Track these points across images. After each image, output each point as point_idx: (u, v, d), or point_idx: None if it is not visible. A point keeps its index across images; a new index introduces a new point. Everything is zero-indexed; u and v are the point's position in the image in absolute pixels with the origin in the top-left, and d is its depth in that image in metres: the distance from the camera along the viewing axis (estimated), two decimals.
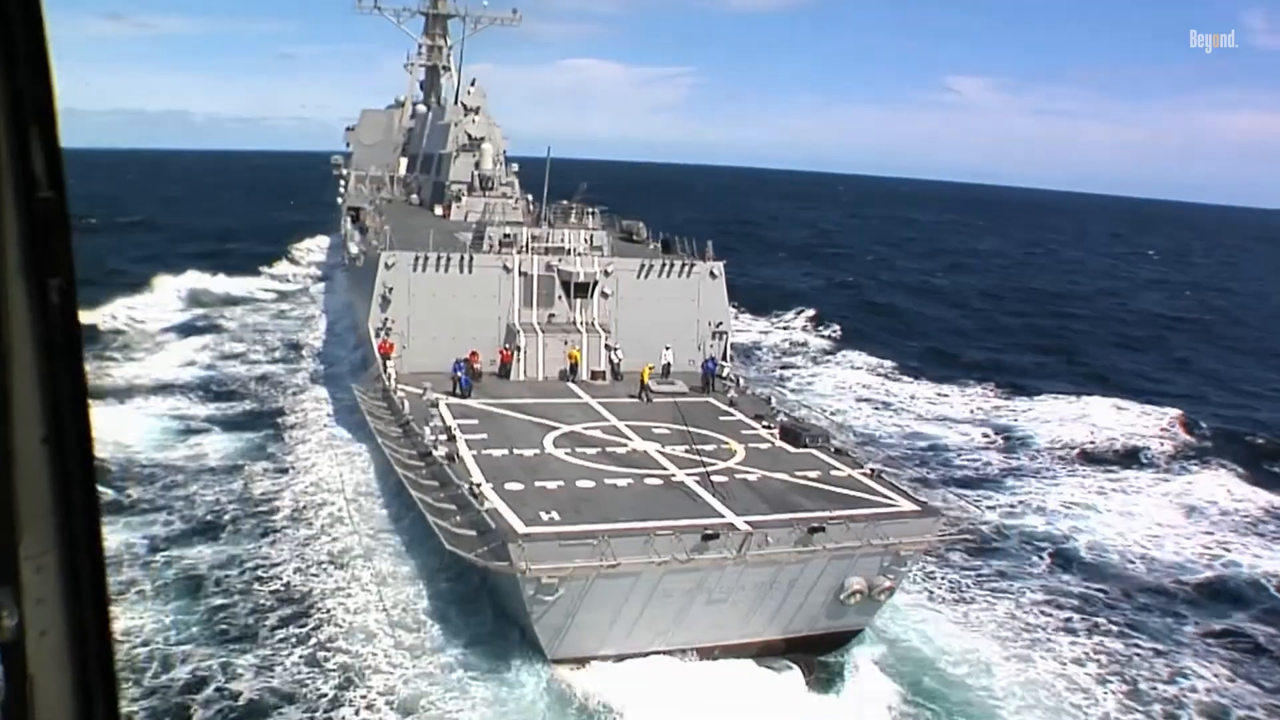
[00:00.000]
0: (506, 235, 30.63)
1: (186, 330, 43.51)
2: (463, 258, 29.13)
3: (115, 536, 20.67)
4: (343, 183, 64.83)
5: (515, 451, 21.36)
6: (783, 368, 44.50)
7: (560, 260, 29.97)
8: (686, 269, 30.98)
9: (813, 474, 20.95)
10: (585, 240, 31.66)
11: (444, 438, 21.57)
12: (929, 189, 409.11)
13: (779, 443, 23.36)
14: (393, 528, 22.27)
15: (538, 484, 19.16)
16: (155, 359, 37.91)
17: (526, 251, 30.05)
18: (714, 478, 20.14)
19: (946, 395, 39.80)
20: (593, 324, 29.63)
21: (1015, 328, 60.70)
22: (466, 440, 21.59)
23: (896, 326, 57.34)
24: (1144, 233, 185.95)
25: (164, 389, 33.19)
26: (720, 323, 31.18)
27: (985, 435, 34.06)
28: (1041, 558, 24.05)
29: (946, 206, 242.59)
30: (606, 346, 29.38)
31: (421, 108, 65.80)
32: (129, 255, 65.08)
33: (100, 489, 16.81)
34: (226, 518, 22.96)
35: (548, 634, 16.70)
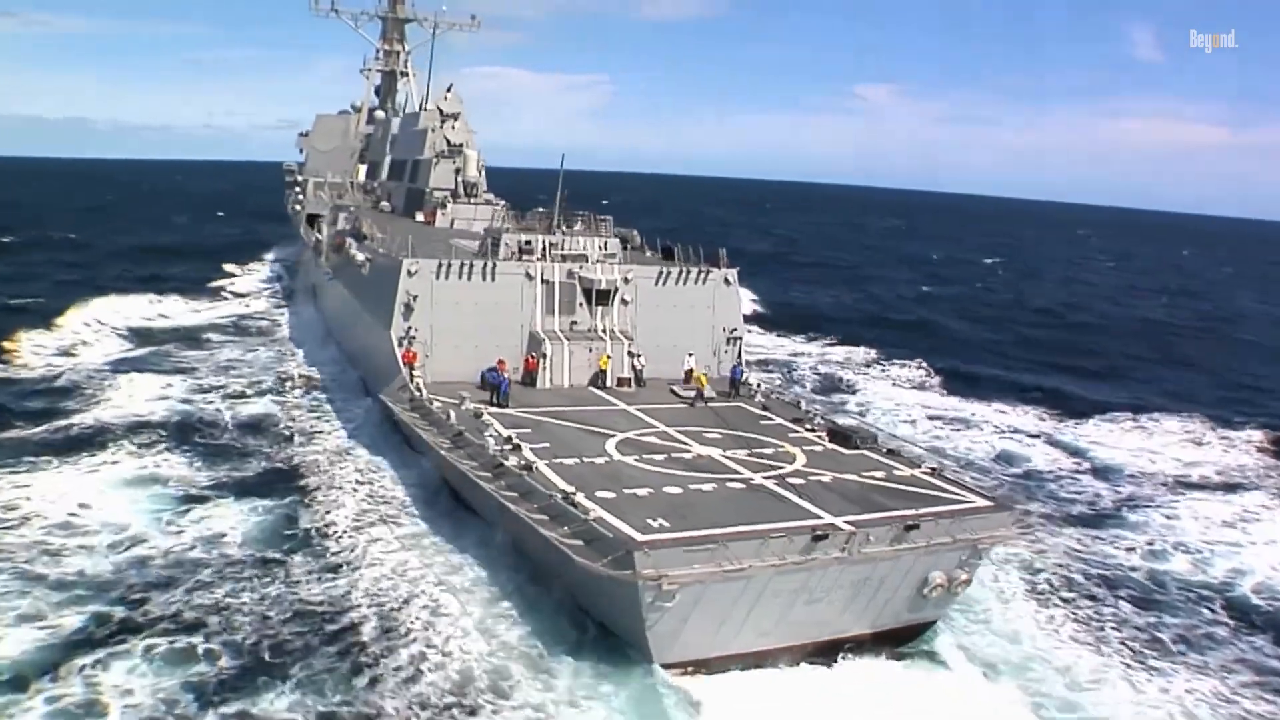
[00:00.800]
0: (527, 242, 30.14)
1: (139, 365, 36.67)
2: (485, 265, 28.57)
3: (143, 684, 15.63)
4: (298, 190, 62.85)
5: (585, 459, 21.06)
6: (829, 386, 41.28)
7: (581, 267, 29.67)
8: (702, 276, 31.05)
9: (878, 474, 21.28)
10: (599, 247, 31.40)
11: (508, 448, 21.09)
12: (852, 194, 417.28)
13: (829, 445, 23.58)
14: (460, 549, 21.10)
15: (626, 491, 18.95)
16: (114, 403, 30.97)
17: (547, 259, 29.64)
18: (789, 480, 20.35)
19: (1004, 413, 37.54)
20: (616, 331, 29.43)
21: (1036, 340, 58.62)
22: (530, 450, 21.13)
23: (913, 340, 53.46)
24: (1076, 238, 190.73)
25: (138, 442, 27.04)
26: (735, 329, 31.34)
27: (1075, 462, 31.67)
28: (1213, 609, 21.56)
29: (884, 211, 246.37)
30: (630, 354, 29.22)
31: (380, 113, 64.43)
32: (51, 278, 58.51)
33: (108, 607, 16.37)
34: (290, 648, 16.98)
35: (659, 640, 16.56)
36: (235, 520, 22.35)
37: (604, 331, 29.39)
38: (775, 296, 64.82)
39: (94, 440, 27.20)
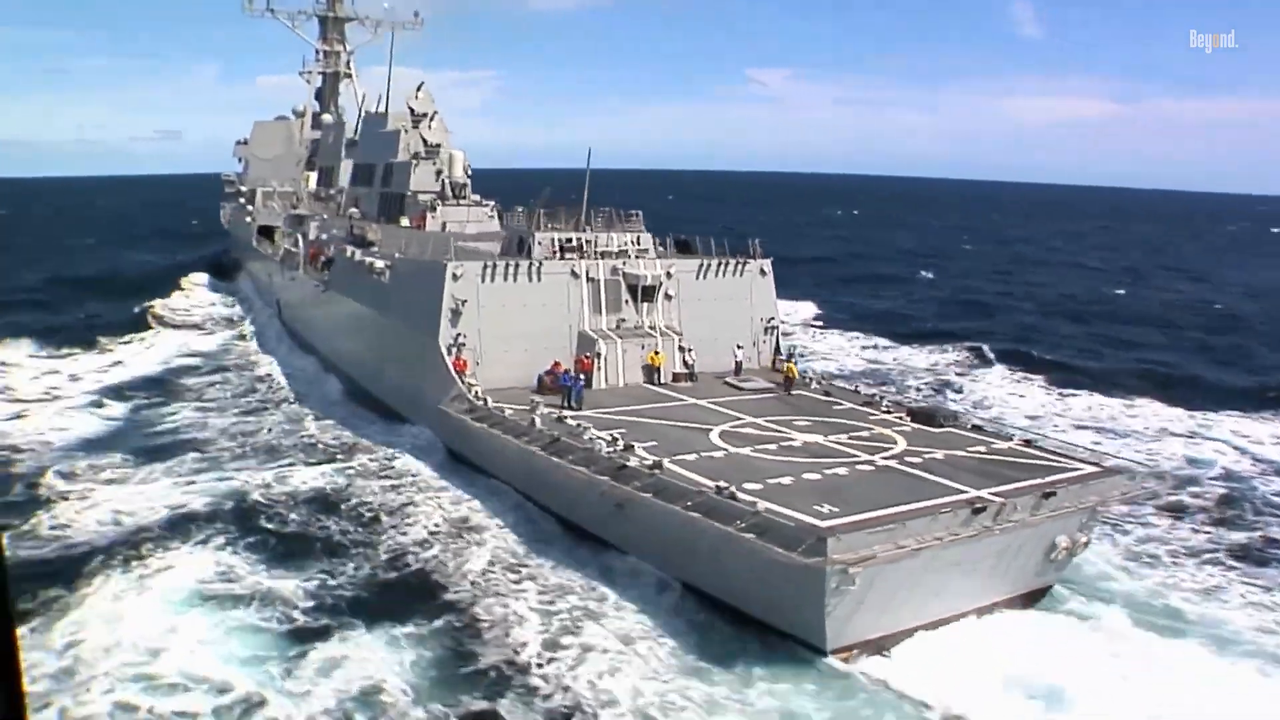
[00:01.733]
0: (568, 240, 29.23)
1: (124, 435, 29.73)
2: (530, 265, 27.57)
3: None
4: (243, 200, 59.76)
5: (703, 454, 20.57)
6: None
7: (624, 263, 28.99)
8: (739, 268, 30.81)
9: (979, 449, 21.64)
10: (632, 243, 30.79)
11: (619, 448, 20.38)
12: (764, 180, 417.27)
13: (914, 425, 23.74)
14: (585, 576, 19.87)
15: (770, 481, 18.61)
16: (114, 497, 23.55)
17: (591, 257, 28.83)
18: (907, 459, 20.58)
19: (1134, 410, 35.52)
20: (663, 327, 28.90)
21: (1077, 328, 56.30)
22: (643, 448, 20.47)
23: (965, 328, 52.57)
24: (1012, 217, 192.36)
25: (187, 540, 20.82)
26: (771, 318, 31.25)
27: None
28: None
29: (814, 198, 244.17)
30: (680, 349, 28.75)
31: (328, 117, 61.83)
32: None
33: None
34: None
35: (836, 626, 16.45)
36: (380, 664, 15.99)
37: (651, 328, 28.82)
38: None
39: (120, 549, 20.22)
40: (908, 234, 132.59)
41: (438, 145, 44.34)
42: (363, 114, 57.31)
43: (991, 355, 45.37)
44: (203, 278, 65.96)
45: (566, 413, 23.82)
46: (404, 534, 21.77)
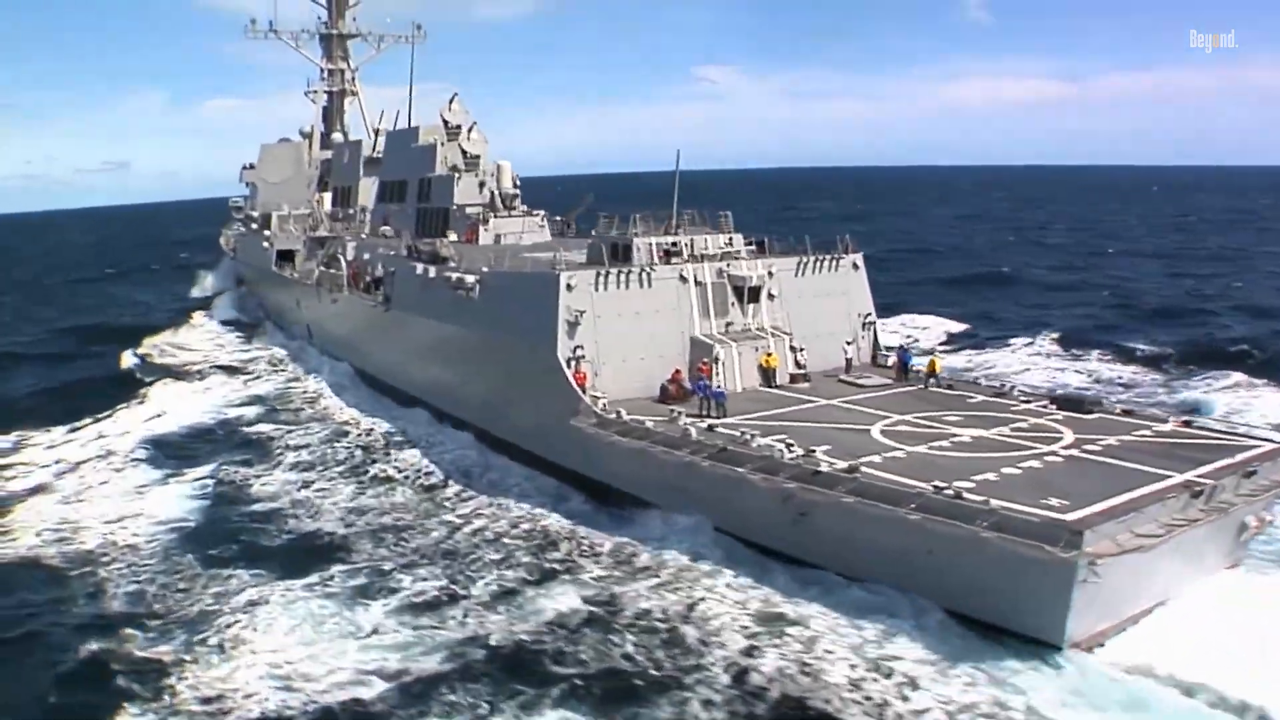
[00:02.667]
0: (672, 244, 28.36)
1: (220, 532, 23.92)
2: (642, 272, 26.64)
3: None
4: (253, 225, 57.83)
5: (887, 455, 19.89)
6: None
7: (729, 265, 28.19)
8: (834, 263, 30.20)
9: (1144, 432, 21.49)
10: (724, 244, 30.04)
11: (800, 454, 19.58)
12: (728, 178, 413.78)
13: (1062, 413, 23.31)
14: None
15: (976, 478, 18.13)
16: (268, 636, 17.97)
17: (697, 260, 27.99)
18: (1086, 448, 20.25)
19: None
20: (774, 327, 28.15)
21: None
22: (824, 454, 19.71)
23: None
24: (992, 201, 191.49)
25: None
26: (869, 313, 30.67)
27: None
28: None
29: (796, 193, 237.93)
30: (792, 348, 28.02)
31: (338, 136, 60.27)
32: None
33: None
34: None
35: (1075, 618, 15.96)
36: None
37: (760, 329, 28.06)
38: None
39: None
40: (948, 227, 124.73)
41: (477, 157, 43.29)
42: (379, 130, 56.04)
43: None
44: (213, 312, 63.25)
45: (713, 421, 22.95)
46: (721, 646, 16.99)
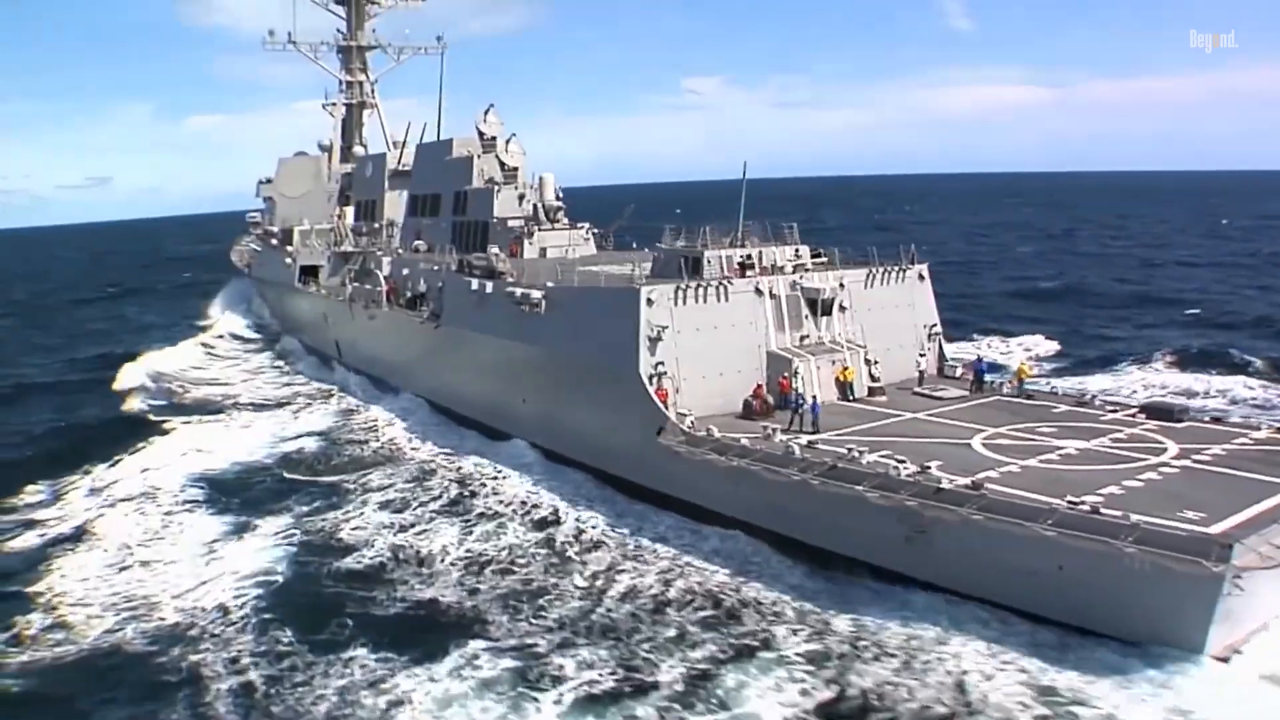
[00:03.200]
0: (747, 256, 28.15)
1: (351, 613, 20.11)
2: (719, 286, 26.41)
3: None
4: (272, 240, 57.17)
5: (1004, 470, 19.76)
6: None
7: (801, 277, 28.04)
8: (900, 274, 30.11)
9: (1243, 440, 21.68)
10: (792, 256, 29.92)
11: (915, 470, 19.39)
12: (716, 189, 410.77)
13: (1152, 422, 23.30)
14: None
15: (1102, 491, 18.12)
16: None
17: (770, 272, 27.82)
18: (1196, 458, 20.28)
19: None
20: (848, 340, 27.99)
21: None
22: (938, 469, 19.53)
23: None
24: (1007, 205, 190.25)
25: None
26: (934, 324, 30.62)
27: None
28: None
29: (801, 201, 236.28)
30: (867, 361, 27.85)
31: (359, 149, 59.74)
32: None
33: None
34: None
35: (1217, 629, 15.96)
36: None
37: (833, 342, 27.88)
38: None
39: None
40: (980, 236, 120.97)
41: (515, 169, 42.94)
42: (399, 142, 55.63)
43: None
44: (230, 326, 63.09)
45: (812, 437, 22.72)
46: None
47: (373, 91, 60.83)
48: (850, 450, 20.88)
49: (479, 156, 43.72)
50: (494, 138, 44.26)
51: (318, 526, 25.50)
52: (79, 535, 25.42)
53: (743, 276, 27.41)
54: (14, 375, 52.10)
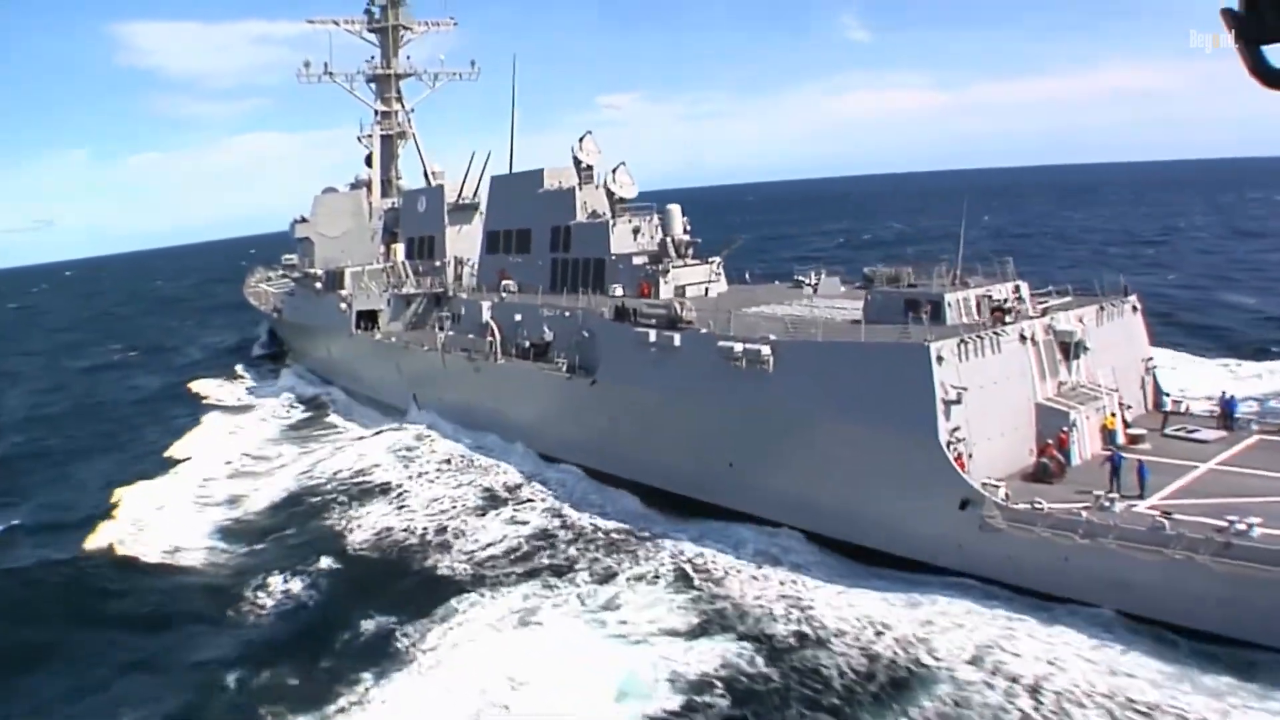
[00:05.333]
0: (997, 301, 25.96)
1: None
2: (993, 334, 24.20)
3: None
4: (316, 282, 52.80)
5: None
6: None
7: (1053, 319, 26.06)
8: (1119, 308, 28.47)
9: None
10: (1012, 292, 27.90)
11: None
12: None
13: None
14: None
15: None
16: None
17: (1027, 316, 25.76)
18: None
19: None
20: (1100, 384, 26.14)
21: None
22: None
23: None
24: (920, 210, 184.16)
25: None
26: (1150, 358, 29.10)
27: None
28: None
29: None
30: (1120, 404, 26.04)
31: (403, 182, 55.91)
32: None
33: None
34: None
35: None
36: None
37: (1085, 387, 25.98)
38: None
39: None
40: (1009, 238, 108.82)
41: (624, 200, 40.02)
42: (435, 172, 52.26)
43: None
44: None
45: (1158, 504, 20.66)
46: None
47: (408, 120, 57.07)
48: (1232, 523, 18.83)
49: (580, 188, 40.67)
50: (591, 166, 41.29)
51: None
52: None
53: (1003, 322, 25.25)
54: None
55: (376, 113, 56.24)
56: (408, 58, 56.29)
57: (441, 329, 42.28)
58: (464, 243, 49.79)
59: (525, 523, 29.27)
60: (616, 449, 32.01)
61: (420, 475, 35.35)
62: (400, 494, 33.32)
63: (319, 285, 52.58)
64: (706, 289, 36.64)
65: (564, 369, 34.00)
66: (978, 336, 23.81)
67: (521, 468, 34.47)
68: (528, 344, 37.15)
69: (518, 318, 38.49)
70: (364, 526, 30.24)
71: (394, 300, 48.81)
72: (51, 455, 45.72)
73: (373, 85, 56.45)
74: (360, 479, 35.58)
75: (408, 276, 49.44)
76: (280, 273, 73.08)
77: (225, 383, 57.84)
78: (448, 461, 36.68)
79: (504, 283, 42.96)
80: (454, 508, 31.37)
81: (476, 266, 46.91)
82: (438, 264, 49.55)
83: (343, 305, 49.16)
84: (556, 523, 29.12)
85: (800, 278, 37.34)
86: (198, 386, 56.86)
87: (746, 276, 40.08)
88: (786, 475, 26.07)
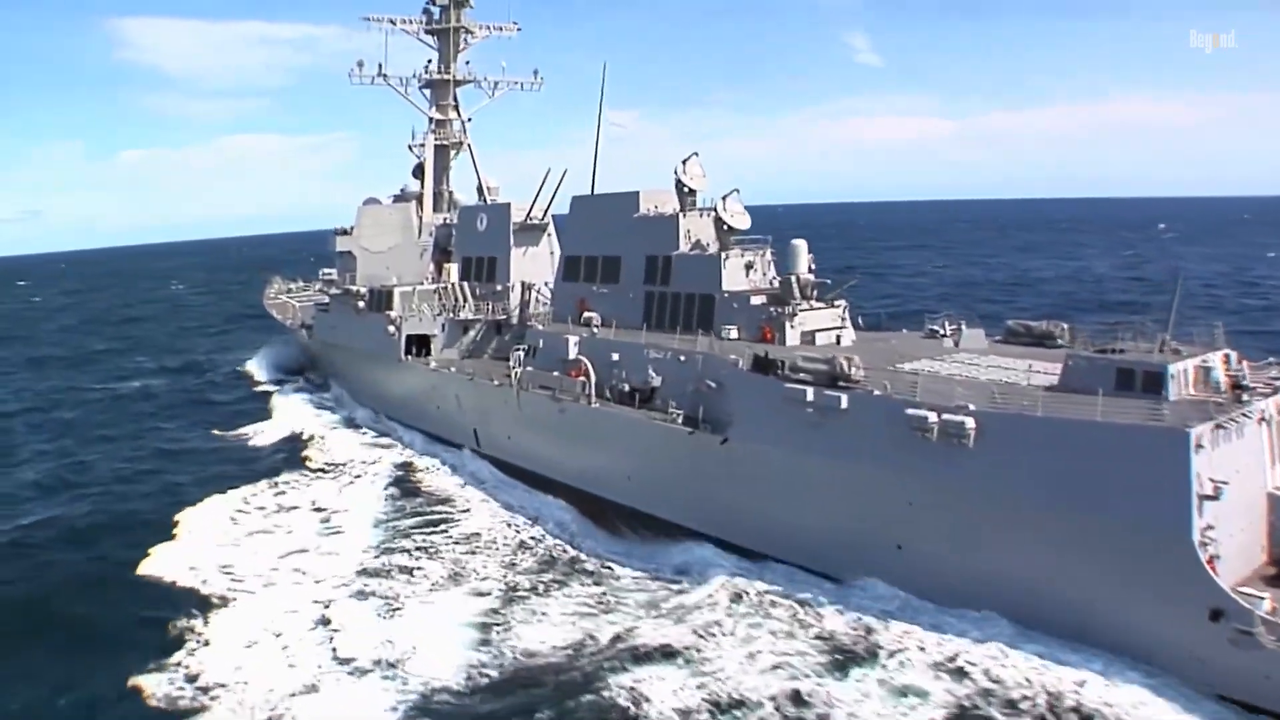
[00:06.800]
0: (1234, 375, 23.01)
1: None
2: (1240, 416, 21.25)
3: None
4: (360, 301, 48.88)
5: None
6: None
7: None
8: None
9: None
10: (1221, 361, 24.98)
11: None
12: None
13: None
14: None
15: None
16: None
17: (1260, 394, 22.82)
18: None
19: None
20: None
21: None
22: None
23: None
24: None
25: None
26: None
27: None
28: None
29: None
30: None
31: (460, 197, 52.30)
32: None
33: None
34: None
35: None
36: None
37: None
38: None
39: None
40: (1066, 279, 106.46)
41: (734, 230, 36.55)
42: (491, 187, 48.83)
43: None
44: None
45: None
46: None
47: (464, 130, 53.48)
48: None
49: (684, 214, 37.23)
50: (694, 191, 37.79)
51: None
52: None
53: (1238, 400, 22.31)
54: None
55: (431, 120, 52.60)
56: (467, 63, 52.77)
57: (517, 362, 38.58)
58: (530, 266, 46.25)
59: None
60: (752, 519, 28.51)
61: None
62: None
63: (361, 304, 48.74)
64: (838, 336, 33.39)
65: (678, 420, 30.61)
66: (1231, 420, 20.86)
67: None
68: (627, 388, 33.68)
69: (615, 356, 34.85)
70: None
71: (449, 325, 45.24)
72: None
73: (427, 91, 52.87)
74: None
75: (465, 300, 45.91)
76: (301, 284, 69.46)
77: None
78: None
79: (585, 314, 39.42)
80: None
81: (550, 294, 43.38)
82: (499, 288, 46.01)
83: (390, 328, 45.44)
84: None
85: (934, 327, 34.23)
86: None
87: (859, 321, 36.79)
88: (975, 563, 22.99)
